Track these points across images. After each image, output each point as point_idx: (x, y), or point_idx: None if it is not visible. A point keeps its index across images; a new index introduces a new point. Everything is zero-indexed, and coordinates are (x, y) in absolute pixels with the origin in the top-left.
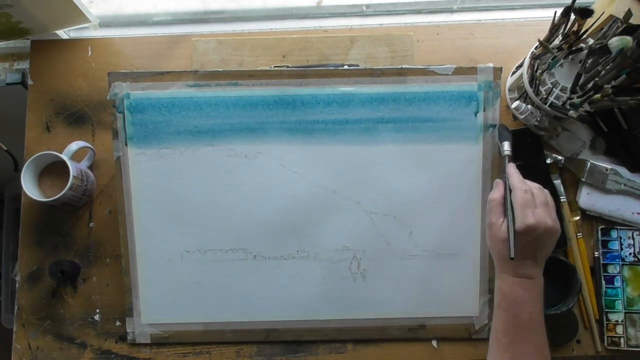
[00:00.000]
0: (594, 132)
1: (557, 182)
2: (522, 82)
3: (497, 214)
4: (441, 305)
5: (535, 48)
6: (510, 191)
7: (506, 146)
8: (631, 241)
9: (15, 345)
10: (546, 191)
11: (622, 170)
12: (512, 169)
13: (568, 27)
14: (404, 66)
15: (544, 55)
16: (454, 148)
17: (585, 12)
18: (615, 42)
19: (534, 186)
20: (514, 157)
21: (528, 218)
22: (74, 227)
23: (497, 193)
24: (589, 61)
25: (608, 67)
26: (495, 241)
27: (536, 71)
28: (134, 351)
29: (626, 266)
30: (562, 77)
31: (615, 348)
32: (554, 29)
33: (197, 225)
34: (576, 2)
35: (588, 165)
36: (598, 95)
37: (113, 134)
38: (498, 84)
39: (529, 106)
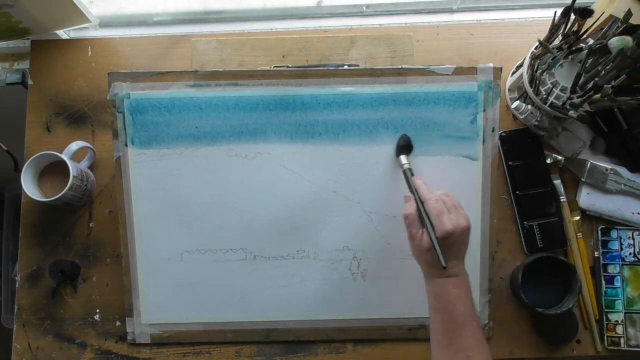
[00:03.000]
0: (594, 132)
1: (557, 182)
2: (522, 82)
3: (416, 226)
4: None
5: (535, 48)
6: (422, 203)
7: (404, 160)
8: (631, 241)
9: (15, 345)
10: (452, 194)
11: (622, 170)
12: (418, 182)
13: (568, 27)
14: (404, 66)
15: (544, 55)
16: (453, 148)
17: (585, 12)
18: (615, 42)
19: (441, 193)
20: (515, 157)
21: (445, 225)
22: (74, 227)
23: (410, 208)
24: (589, 61)
25: (608, 67)
26: (419, 251)
27: (536, 71)
28: (134, 351)
29: (626, 266)
30: (562, 77)
31: (615, 348)
32: (554, 29)
33: (197, 225)
34: (576, 2)
35: (588, 165)
36: (598, 95)
37: (113, 134)
38: (498, 84)
39: (529, 106)
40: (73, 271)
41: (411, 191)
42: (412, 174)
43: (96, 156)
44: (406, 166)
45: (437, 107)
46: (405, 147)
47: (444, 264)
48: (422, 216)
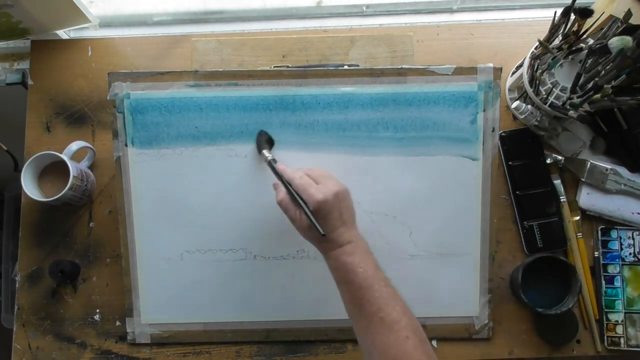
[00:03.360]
0: (594, 132)
1: (557, 182)
2: (522, 82)
3: (292, 209)
4: (441, 305)
5: (535, 48)
6: (290, 184)
7: (266, 153)
8: (631, 241)
9: (15, 345)
10: (318, 167)
11: (622, 170)
12: (281, 166)
13: (568, 27)
14: (404, 66)
15: (544, 55)
16: (453, 148)
17: (585, 12)
18: (615, 42)
19: (305, 169)
20: (515, 157)
21: (314, 195)
22: (74, 227)
23: (280, 194)
24: (589, 61)
25: (608, 67)
26: (304, 231)
27: (536, 71)
28: (134, 351)
29: (626, 266)
30: (562, 77)
31: (615, 348)
32: (554, 29)
33: (197, 225)
34: (576, 2)
35: (588, 165)
36: (598, 95)
37: (113, 134)
38: (498, 84)
39: (529, 106)
40: (73, 271)
41: (278, 178)
42: (276, 162)
43: (96, 156)
44: (270, 157)
45: (437, 107)
46: (267, 142)
47: (322, 232)
48: (294, 196)
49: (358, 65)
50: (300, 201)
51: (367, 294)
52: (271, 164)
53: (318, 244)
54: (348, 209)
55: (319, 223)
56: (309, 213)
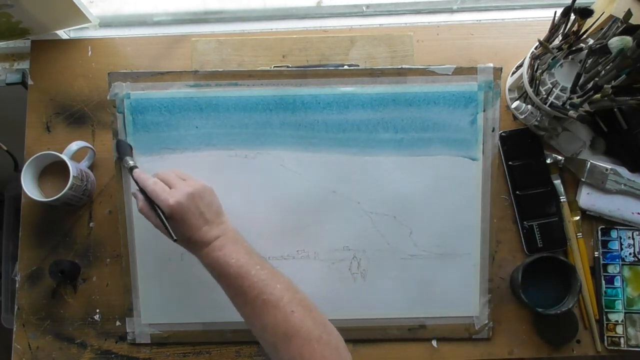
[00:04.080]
0: (594, 132)
1: (557, 182)
2: (522, 82)
3: (152, 216)
4: (441, 305)
5: (535, 48)
6: (144, 191)
7: (129, 160)
8: (631, 241)
9: (15, 345)
10: (170, 169)
11: (622, 170)
12: (138, 173)
13: (568, 27)
14: (404, 66)
15: (544, 55)
16: (454, 148)
17: (585, 12)
18: (615, 42)
19: (161, 172)
20: (515, 157)
21: (167, 200)
22: (74, 227)
23: (140, 202)
24: (589, 61)
25: (608, 67)
26: (169, 237)
27: (536, 71)
28: (134, 351)
29: (626, 266)
30: (562, 77)
31: (615, 348)
32: (554, 29)
33: None
34: (576, 2)
35: (588, 165)
36: (598, 95)
37: (113, 134)
38: (498, 84)
39: (529, 106)
40: (73, 271)
41: (138, 186)
42: (135, 169)
43: (96, 156)
44: (131, 163)
45: (437, 107)
46: (128, 148)
47: (174, 237)
48: (150, 202)
49: (358, 65)
50: (157, 208)
51: (245, 282)
52: (131, 171)
53: (187, 246)
54: (209, 206)
55: (175, 226)
56: (163, 218)
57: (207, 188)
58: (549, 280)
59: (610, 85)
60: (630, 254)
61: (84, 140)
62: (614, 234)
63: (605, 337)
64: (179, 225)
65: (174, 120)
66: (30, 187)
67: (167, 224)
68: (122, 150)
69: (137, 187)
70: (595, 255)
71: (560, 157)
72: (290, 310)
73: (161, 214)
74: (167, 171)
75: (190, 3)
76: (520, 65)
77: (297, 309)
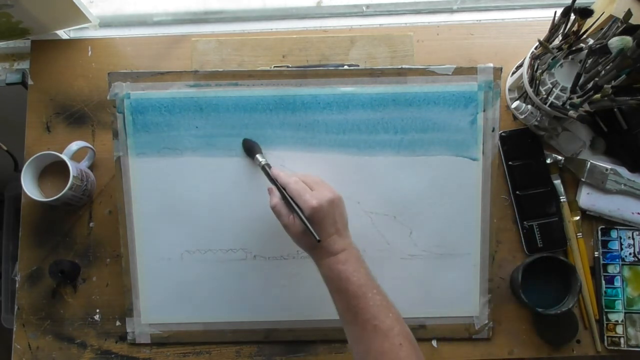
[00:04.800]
0: (594, 132)
1: (557, 182)
2: (522, 82)
3: (285, 214)
4: (441, 305)
5: (535, 48)
6: (284, 189)
7: (260, 157)
8: (631, 241)
9: (15, 345)
10: (311, 174)
11: (622, 170)
12: (276, 171)
13: (568, 27)
14: (404, 66)
15: (544, 55)
16: (454, 148)
17: (585, 12)
18: (615, 42)
19: (300, 174)
20: (515, 157)
21: (309, 201)
22: (74, 227)
23: (274, 198)
24: (589, 61)
25: (608, 67)
26: (298, 237)
27: (536, 71)
28: (134, 351)
29: (626, 266)
30: (562, 77)
31: (615, 348)
32: (554, 29)
33: (197, 225)
34: (576, 2)
35: (588, 165)
36: (598, 95)
37: (113, 134)
38: (498, 84)
39: (529, 106)
40: (73, 271)
41: (272, 182)
42: (270, 167)
43: (96, 156)
44: (263, 162)
45: (437, 107)
46: (256, 147)
47: (318, 238)
48: (288, 201)
49: (358, 65)
50: (295, 206)
51: (361, 302)
52: (265, 168)
53: (311, 251)
54: (341, 216)
55: (314, 229)
56: (304, 218)
57: (341, 198)
58: (549, 280)
59: (610, 85)
60: (630, 254)
61: (84, 140)
62: (614, 234)
63: (605, 337)
64: (313, 228)
65: (174, 120)
66: (30, 187)
67: (308, 224)
68: (251, 148)
69: (273, 185)
70: (595, 255)
71: (560, 157)
72: (398, 342)
73: (302, 213)
74: (308, 174)
75: (190, 3)
76: (520, 65)
77: (405, 342)
